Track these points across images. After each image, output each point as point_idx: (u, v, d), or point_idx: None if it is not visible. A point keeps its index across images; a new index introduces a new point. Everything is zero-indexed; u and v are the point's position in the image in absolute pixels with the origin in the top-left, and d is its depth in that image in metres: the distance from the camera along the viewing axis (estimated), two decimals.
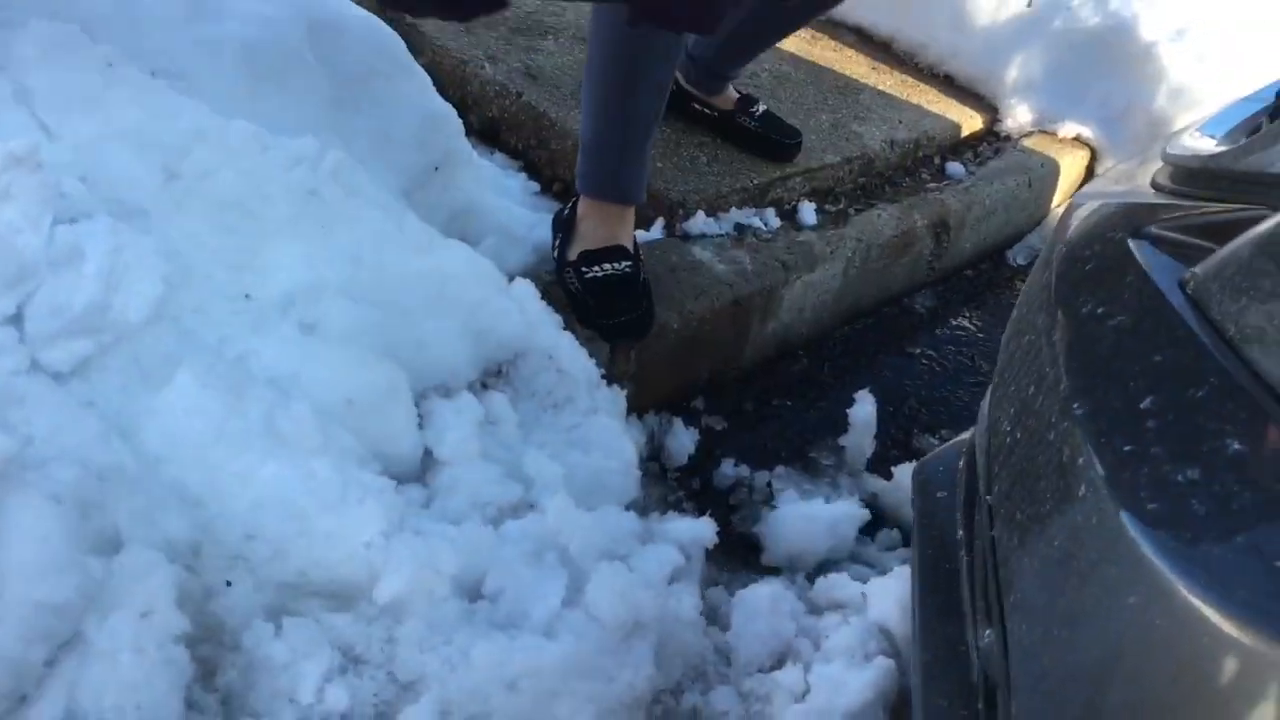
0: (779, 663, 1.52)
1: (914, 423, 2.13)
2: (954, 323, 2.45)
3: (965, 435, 1.53)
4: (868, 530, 1.81)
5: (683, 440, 1.90)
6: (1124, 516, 0.84)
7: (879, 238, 2.29)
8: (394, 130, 1.84)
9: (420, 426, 1.54)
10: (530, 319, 1.70)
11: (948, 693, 1.16)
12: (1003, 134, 2.86)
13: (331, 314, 1.47)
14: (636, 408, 1.90)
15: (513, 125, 2.34)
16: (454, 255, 1.65)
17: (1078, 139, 2.82)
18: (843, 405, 2.04)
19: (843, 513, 1.72)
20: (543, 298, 1.78)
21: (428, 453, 1.54)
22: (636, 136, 1.84)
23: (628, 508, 1.66)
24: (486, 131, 2.38)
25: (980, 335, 2.41)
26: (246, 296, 1.44)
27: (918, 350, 2.33)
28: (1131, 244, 1.17)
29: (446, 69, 2.40)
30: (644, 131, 1.84)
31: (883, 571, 1.68)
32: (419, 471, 1.54)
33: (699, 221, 2.16)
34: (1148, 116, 2.69)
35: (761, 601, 1.57)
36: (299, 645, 1.29)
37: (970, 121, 2.83)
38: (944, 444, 1.63)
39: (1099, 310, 1.09)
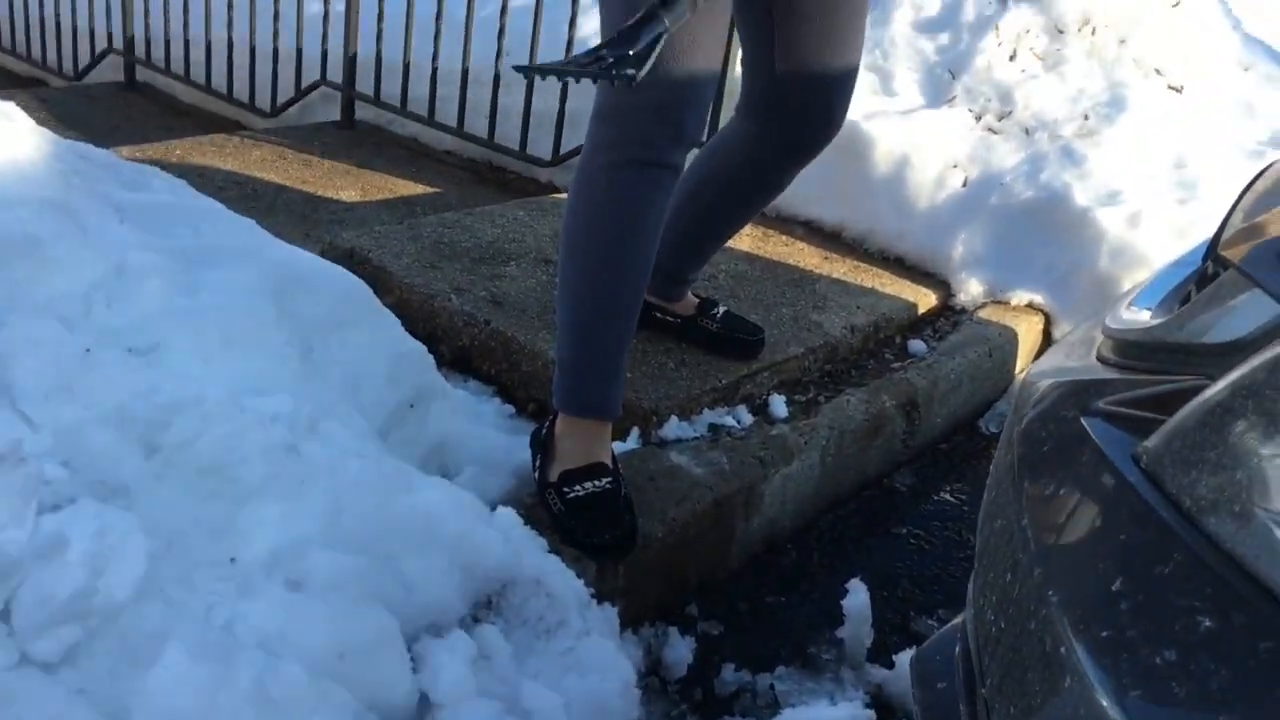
0: None
1: (909, 605, 2.12)
2: (935, 498, 2.47)
3: (959, 619, 1.53)
4: None
5: (680, 650, 1.89)
6: (1110, 708, 0.84)
7: (851, 424, 2.34)
8: (365, 374, 1.89)
9: (414, 670, 1.53)
10: (516, 546, 1.71)
11: None
12: (958, 308, 2.95)
13: (317, 568, 1.48)
14: (630, 621, 1.90)
15: (483, 352, 2.41)
16: (435, 493, 1.67)
17: (1030, 305, 2.91)
18: (836, 595, 2.03)
19: (848, 715, 1.69)
20: (526, 522, 1.80)
21: (423, 697, 1.53)
22: (612, 349, 1.89)
23: None
24: (459, 361, 2.45)
25: (964, 508, 2.43)
26: (231, 560, 1.45)
27: (904, 530, 2.34)
28: (1084, 421, 1.21)
29: (415, 305, 2.49)
30: (619, 342, 1.89)
31: None
32: (417, 717, 1.52)
33: (673, 426, 2.21)
34: (1093, 277, 2.79)
35: None
36: None
37: (925, 299, 2.92)
38: (941, 628, 1.63)
39: (1061, 492, 1.12)
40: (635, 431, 2.19)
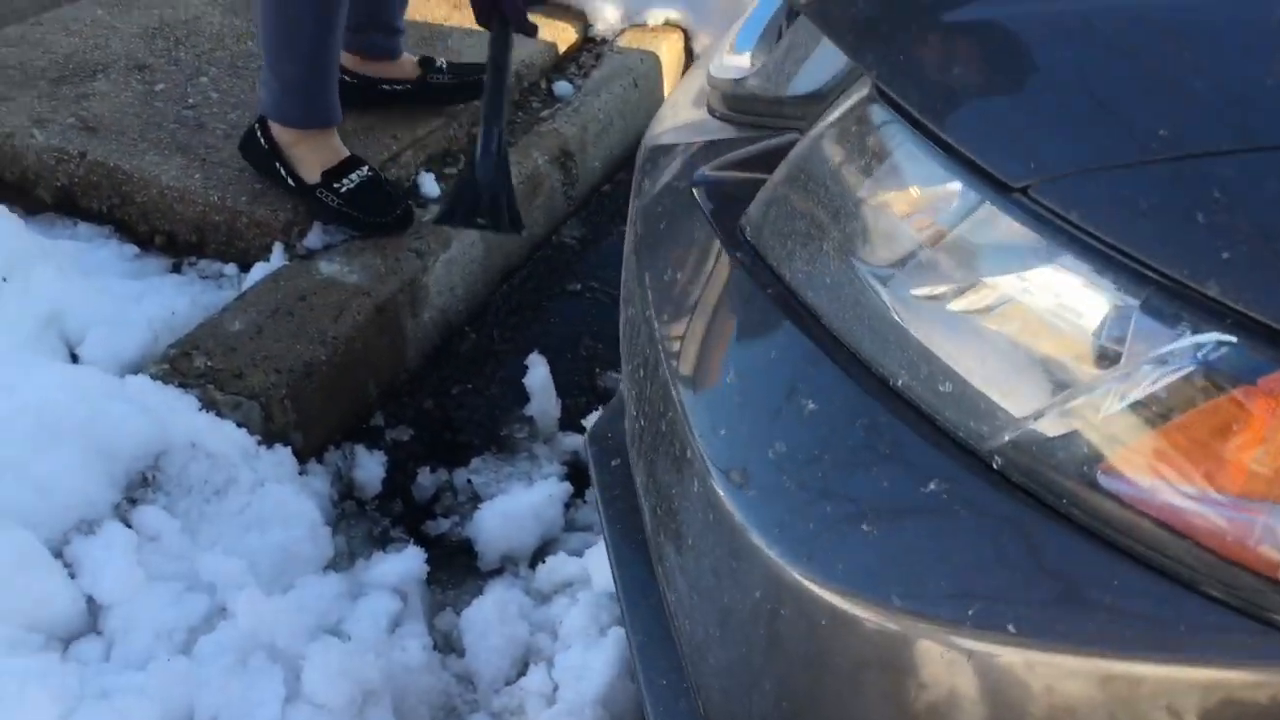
0: (524, 668, 1.51)
1: (594, 362, 2.14)
2: (606, 245, 2.46)
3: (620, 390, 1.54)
4: (578, 491, 1.82)
5: (370, 467, 1.83)
6: (733, 511, 0.85)
7: None
8: None
9: (72, 575, 1.41)
10: (158, 414, 1.57)
11: (666, 670, 1.17)
12: (599, 38, 2.85)
13: None
14: (313, 451, 1.82)
15: (87, 189, 2.14)
16: (45, 379, 1.50)
17: (668, 23, 2.85)
18: (521, 371, 2.01)
19: (544, 496, 1.71)
20: (167, 382, 1.66)
21: (91, 599, 1.42)
22: (332, 61, 1.98)
23: (328, 569, 1.59)
24: (63, 204, 2.17)
25: None
26: None
27: (578, 286, 2.33)
28: (695, 192, 1.18)
29: None
30: (336, 54, 1.99)
31: (599, 532, 1.68)
32: (90, 622, 1.42)
33: (317, 234, 2.06)
34: None
35: (489, 613, 1.55)
36: None
37: (564, 35, 2.80)
38: (609, 403, 1.64)
39: (678, 275, 1.10)
40: (279, 247, 2.03)
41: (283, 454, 1.68)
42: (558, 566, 1.62)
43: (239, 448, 1.63)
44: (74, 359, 1.72)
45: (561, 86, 2.65)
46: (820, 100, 1.07)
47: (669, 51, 2.82)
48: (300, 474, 1.72)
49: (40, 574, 1.37)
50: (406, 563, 1.61)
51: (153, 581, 1.44)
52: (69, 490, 1.45)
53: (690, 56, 2.88)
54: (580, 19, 2.86)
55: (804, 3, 1.07)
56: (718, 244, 1.07)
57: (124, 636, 1.39)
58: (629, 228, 1.29)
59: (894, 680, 0.73)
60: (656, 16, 2.83)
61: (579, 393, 2.06)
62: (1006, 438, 0.74)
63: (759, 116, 1.21)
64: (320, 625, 1.48)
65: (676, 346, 1.02)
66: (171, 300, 1.93)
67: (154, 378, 1.64)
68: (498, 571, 1.69)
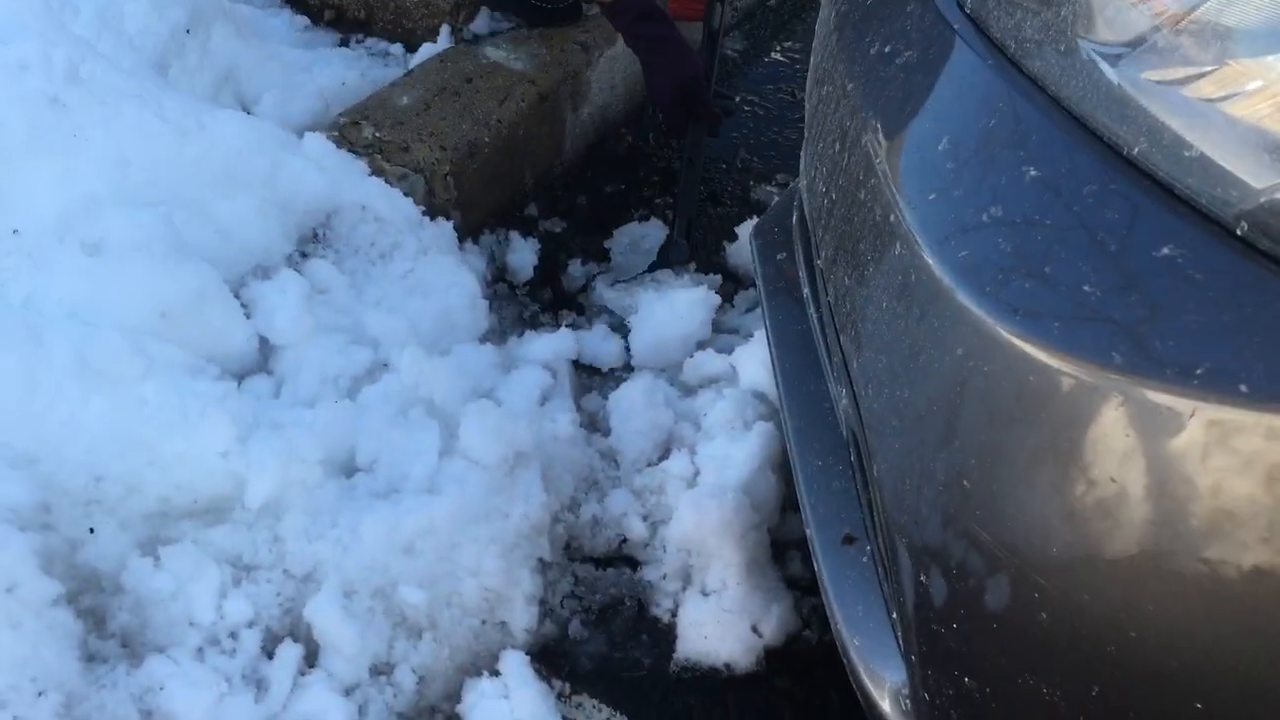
0: (665, 453, 1.54)
1: (749, 174, 2.11)
2: (767, 60, 2.40)
3: (794, 185, 1.52)
4: (726, 296, 1.82)
5: (523, 254, 1.86)
6: (937, 267, 0.84)
7: None
8: (127, 2, 1.66)
9: (248, 316, 1.47)
10: (332, 174, 1.61)
11: (821, 452, 1.19)
12: None
13: (114, 228, 1.36)
14: (470, 232, 1.84)
15: None
16: (229, 127, 1.53)
17: None
18: (674, 173, 2.00)
19: (697, 298, 1.70)
20: (339, 145, 1.69)
21: (264, 341, 1.48)
22: None
23: (483, 340, 1.63)
24: None
25: (797, 67, 2.37)
26: (14, 233, 1.32)
27: (737, 97, 2.28)
28: None
29: None
30: None
31: (747, 336, 1.69)
32: (261, 361, 1.48)
33: (484, 20, 2.05)
34: None
35: (636, 398, 1.57)
36: (182, 570, 1.26)
37: None
38: (778, 198, 1.62)
39: (886, 49, 1.06)
40: (445, 30, 2.03)
41: (445, 227, 1.70)
42: (705, 362, 1.63)
43: (405, 216, 1.66)
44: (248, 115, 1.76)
45: None
46: None
47: None
48: (460, 250, 1.75)
49: (220, 309, 1.42)
50: (558, 342, 1.64)
51: (321, 330, 1.49)
52: (247, 235, 1.50)
53: None
54: None
55: None
56: (931, 18, 1.03)
57: (293, 377, 1.45)
58: (825, 6, 1.25)
59: (1103, 444, 0.72)
60: None
61: (732, 202, 2.04)
62: (1262, 201, 0.70)
63: None
64: (475, 390, 1.52)
65: (881, 117, 0.99)
66: (341, 72, 1.95)
67: (328, 140, 1.66)
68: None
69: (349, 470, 1.41)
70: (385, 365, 1.50)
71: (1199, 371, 0.68)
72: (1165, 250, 0.74)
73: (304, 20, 2.10)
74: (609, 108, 2.12)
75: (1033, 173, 0.83)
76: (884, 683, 1.00)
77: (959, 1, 1.02)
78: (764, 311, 1.38)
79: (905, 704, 0.97)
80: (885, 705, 0.99)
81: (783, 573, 1.47)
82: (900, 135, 0.96)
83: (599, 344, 1.69)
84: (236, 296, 1.47)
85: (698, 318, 1.70)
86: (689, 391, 1.63)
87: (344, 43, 2.10)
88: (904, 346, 0.88)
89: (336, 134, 1.75)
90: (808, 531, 1.12)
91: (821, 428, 1.21)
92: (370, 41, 2.10)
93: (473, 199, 1.83)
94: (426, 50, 1.98)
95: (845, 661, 1.05)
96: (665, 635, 1.42)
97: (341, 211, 1.61)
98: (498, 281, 1.83)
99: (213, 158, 1.48)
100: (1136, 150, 0.80)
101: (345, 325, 1.52)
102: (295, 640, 1.28)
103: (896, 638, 0.99)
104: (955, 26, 1.00)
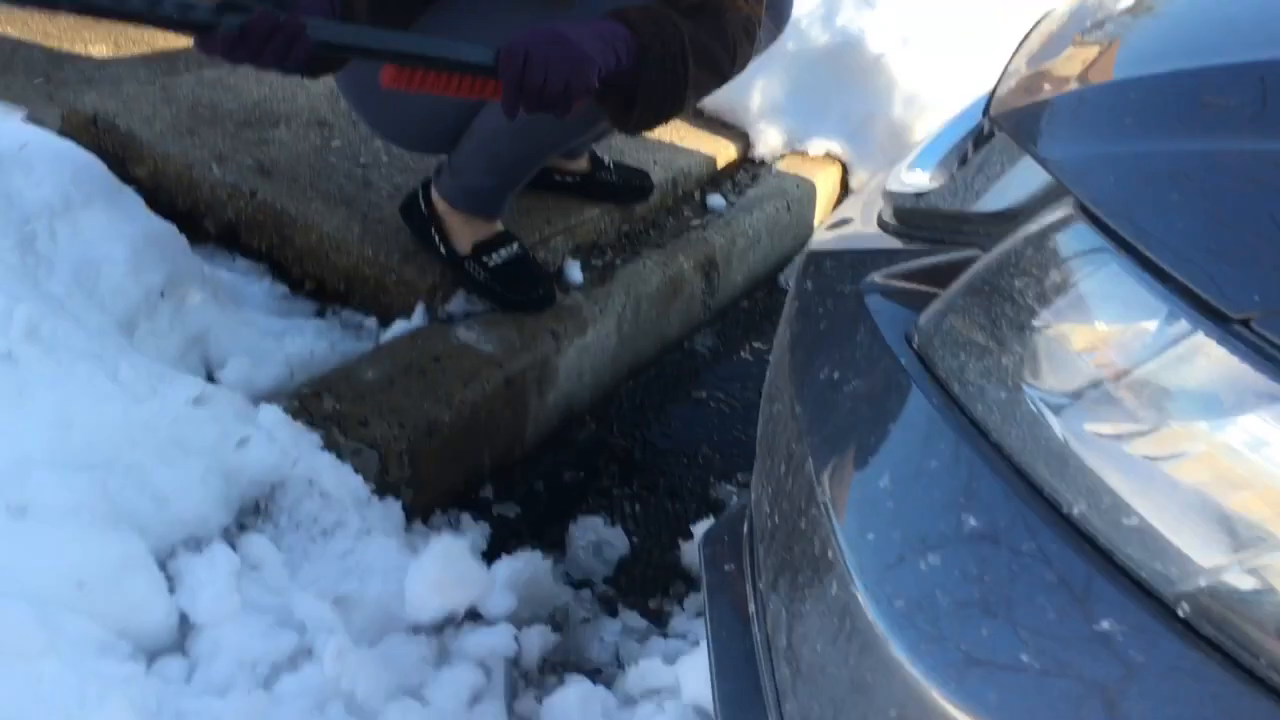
0: None
1: (710, 471, 2.10)
2: (737, 358, 2.44)
3: (745, 498, 1.50)
4: (678, 597, 1.77)
5: (473, 538, 1.81)
6: (874, 619, 0.80)
7: (648, 288, 2.26)
8: (104, 262, 1.69)
9: (171, 590, 1.41)
10: (283, 445, 1.58)
11: None
12: (757, 160, 2.88)
13: (43, 490, 1.32)
14: (421, 512, 1.80)
15: (252, 227, 2.21)
16: (183, 393, 1.52)
17: (828, 155, 2.87)
18: (635, 465, 1.99)
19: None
20: (297, 417, 1.67)
21: (184, 617, 1.41)
22: (524, 178, 1.99)
23: (416, 631, 1.56)
24: (225, 238, 2.24)
25: (766, 367, 2.40)
26: None
27: (704, 394, 2.31)
28: (864, 298, 1.15)
29: (171, 176, 2.26)
30: (533, 174, 2.00)
31: (695, 642, 1.63)
32: (177, 640, 1.40)
33: (460, 300, 2.08)
34: (888, 125, 2.76)
35: (572, 706, 1.49)
36: None
37: (725, 152, 2.84)
38: (736, 499, 1.60)
39: (835, 375, 1.06)
40: (420, 308, 2.06)
41: (393, 507, 1.67)
42: (649, 671, 1.56)
43: (352, 493, 1.62)
44: (211, 381, 1.75)
45: (714, 200, 2.67)
46: (1009, 219, 1.04)
47: (825, 182, 2.83)
48: (406, 531, 1.71)
49: (142, 582, 1.36)
50: (496, 638, 1.56)
51: (247, 610, 1.43)
52: (185, 504, 1.46)
53: (846, 190, 2.89)
54: (743, 139, 2.90)
55: (1001, 118, 1.05)
56: (879, 349, 1.04)
57: (209, 660, 1.37)
58: (783, 325, 1.27)
59: None
60: (818, 147, 2.86)
61: (690, 499, 2.02)
62: (1202, 583, 0.68)
63: (935, 231, 1.19)
64: (402, 686, 1.44)
65: (825, 445, 0.98)
66: (312, 342, 1.96)
67: (285, 411, 1.65)
68: (586, 667, 1.64)
69: None
70: (309, 652, 1.42)
71: None
72: (1104, 624, 0.71)
73: (283, 288, 2.14)
74: (575, 395, 2.13)
75: (972, 523, 0.81)
76: None
77: (906, 336, 1.03)
78: (707, 626, 1.32)
79: None
80: None
81: None
82: (843, 467, 0.94)
83: (533, 640, 1.62)
84: (163, 568, 1.41)
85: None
86: (629, 701, 1.55)
87: (320, 312, 2.13)
88: (837, 693, 0.83)
89: (297, 403, 1.74)
90: None
91: None
92: (346, 313, 2.13)
93: (427, 478, 1.80)
94: (400, 326, 2.01)
95: None
96: None
97: (288, 484, 1.58)
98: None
99: (160, 423, 1.46)
100: (1076, 511, 0.78)
101: (274, 606, 1.46)
102: None
103: None
104: (902, 361, 1.00)
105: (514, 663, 1.58)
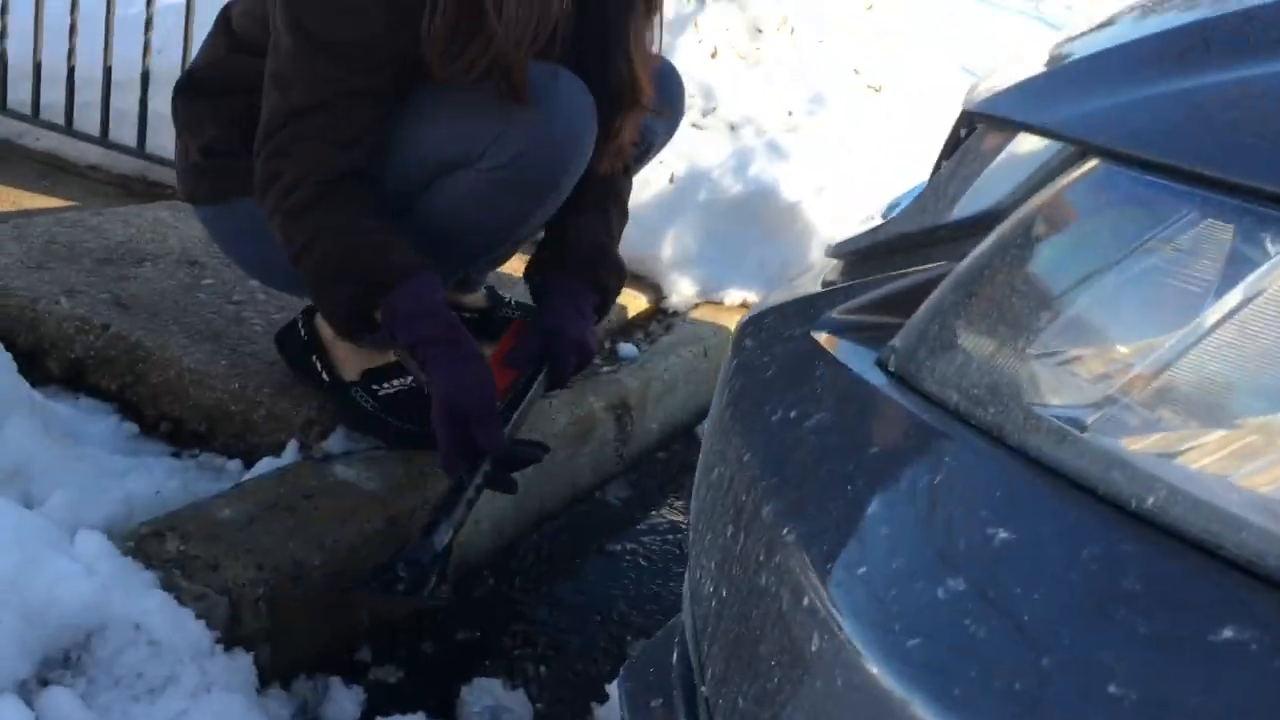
0: None
1: (626, 628, 1.82)
2: (653, 512, 2.20)
3: (672, 622, 1.24)
4: None
5: (344, 706, 1.50)
6: (877, 666, 0.56)
7: (554, 428, 2.04)
8: None
9: None
10: (104, 581, 1.29)
11: None
12: (670, 310, 2.73)
13: None
14: (280, 673, 1.49)
15: (102, 363, 1.95)
16: None
17: (744, 304, 2.74)
18: (540, 623, 1.72)
19: None
20: (125, 552, 1.38)
21: None
22: None
23: None
24: (71, 378, 1.98)
25: (683, 520, 2.17)
26: None
27: (618, 547, 2.05)
28: (814, 335, 0.95)
29: (12, 313, 2.00)
30: None
31: None
32: None
33: (340, 438, 1.83)
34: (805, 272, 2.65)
35: None
36: None
37: (635, 303, 2.69)
38: (655, 635, 1.34)
39: (791, 414, 0.85)
40: (293, 445, 1.80)
41: (242, 661, 1.36)
42: None
43: (189, 642, 1.32)
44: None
45: (626, 349, 2.49)
46: (991, 219, 0.86)
47: None
48: (259, 694, 1.40)
49: None
50: None
51: None
52: None
53: None
54: (654, 290, 2.75)
55: (983, 106, 0.89)
56: (845, 378, 0.84)
57: None
58: (720, 391, 1.06)
59: None
60: (734, 296, 2.72)
61: (604, 659, 1.74)
62: None
63: (894, 264, 1.01)
64: None
65: (787, 485, 0.76)
66: (160, 480, 1.68)
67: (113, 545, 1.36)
68: None
69: None
70: None
71: None
72: (1227, 633, 0.48)
73: (133, 428, 1.87)
74: (470, 546, 1.86)
75: (1003, 535, 0.59)
76: None
77: (879, 361, 0.83)
78: None
79: None
80: None
81: None
82: (814, 502, 0.72)
83: None
84: None
85: None
86: None
87: (176, 454, 1.86)
88: None
89: (131, 544, 1.45)
90: None
91: None
92: (205, 455, 1.85)
93: (289, 632, 1.50)
94: (266, 464, 1.74)
95: None
96: None
97: (108, 630, 1.27)
98: None
99: None
100: (1151, 503, 0.57)
101: None
102: None
103: None
104: (875, 385, 0.80)
105: None
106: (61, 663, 1.24)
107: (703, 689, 0.84)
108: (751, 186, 2.75)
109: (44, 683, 1.22)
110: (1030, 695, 0.51)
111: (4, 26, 3.39)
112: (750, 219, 2.73)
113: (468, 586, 1.86)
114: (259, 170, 1.59)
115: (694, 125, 2.94)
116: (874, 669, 0.56)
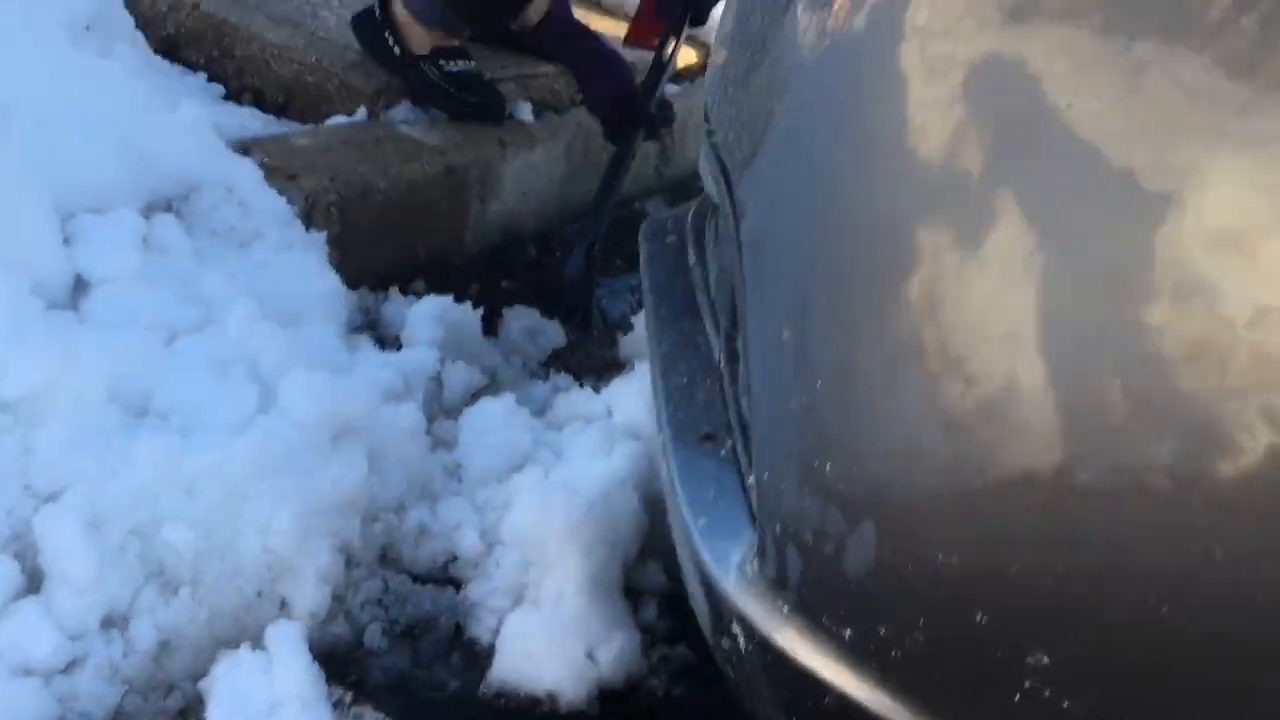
0: (518, 470, 1.34)
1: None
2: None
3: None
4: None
5: (401, 310, 1.71)
6: None
7: (600, 128, 2.20)
8: None
9: (66, 244, 1.30)
10: (206, 146, 1.49)
11: (688, 372, 1.02)
12: None
13: None
14: (347, 280, 1.70)
15: (191, 39, 2.13)
16: (111, 66, 1.43)
17: None
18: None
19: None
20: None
21: (79, 279, 1.30)
22: None
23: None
24: (165, 51, 2.16)
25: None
26: None
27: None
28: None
29: None
30: None
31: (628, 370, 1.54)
32: (69, 297, 1.29)
33: (405, 109, 2.02)
34: None
35: (493, 415, 1.39)
36: None
37: (687, 56, 2.82)
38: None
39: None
40: (363, 110, 1.99)
41: (319, 237, 1.57)
42: (578, 401, 1.47)
43: (275, 210, 1.53)
44: None
45: (671, 89, 2.63)
46: None
47: None
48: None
49: (29, 214, 1.25)
50: (419, 358, 1.47)
51: (149, 281, 1.33)
52: (93, 174, 1.36)
53: None
54: (704, 49, 2.89)
55: None
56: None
57: (101, 312, 1.27)
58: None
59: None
60: None
61: (629, 310, 1.94)
62: None
63: None
64: (313, 363, 1.33)
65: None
66: (245, 121, 1.88)
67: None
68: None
69: (140, 410, 1.20)
70: (214, 323, 1.32)
71: None
72: None
73: (220, 89, 2.06)
74: (517, 213, 2.06)
75: None
76: (729, 556, 0.79)
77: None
78: (644, 281, 1.25)
79: (750, 569, 0.77)
80: (728, 580, 0.78)
81: (634, 613, 1.24)
82: None
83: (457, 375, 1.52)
84: (61, 227, 1.31)
85: None
86: (556, 426, 1.45)
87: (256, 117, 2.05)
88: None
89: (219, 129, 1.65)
90: (662, 438, 0.94)
91: (688, 352, 1.05)
92: (283, 120, 2.05)
93: (356, 243, 1.71)
94: (339, 120, 1.94)
95: (683, 550, 0.85)
96: (482, 656, 1.17)
97: (203, 188, 1.48)
98: (363, 332, 1.66)
99: (74, 81, 1.37)
100: None
101: (179, 281, 1.35)
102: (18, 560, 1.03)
103: (750, 503, 0.81)
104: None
105: (436, 381, 1.48)
106: (164, 209, 1.46)
107: (715, 140, 1.02)
108: None
109: (148, 217, 1.43)
110: None
111: None
112: None
113: (513, 255, 2.05)
114: None
115: None
116: None
